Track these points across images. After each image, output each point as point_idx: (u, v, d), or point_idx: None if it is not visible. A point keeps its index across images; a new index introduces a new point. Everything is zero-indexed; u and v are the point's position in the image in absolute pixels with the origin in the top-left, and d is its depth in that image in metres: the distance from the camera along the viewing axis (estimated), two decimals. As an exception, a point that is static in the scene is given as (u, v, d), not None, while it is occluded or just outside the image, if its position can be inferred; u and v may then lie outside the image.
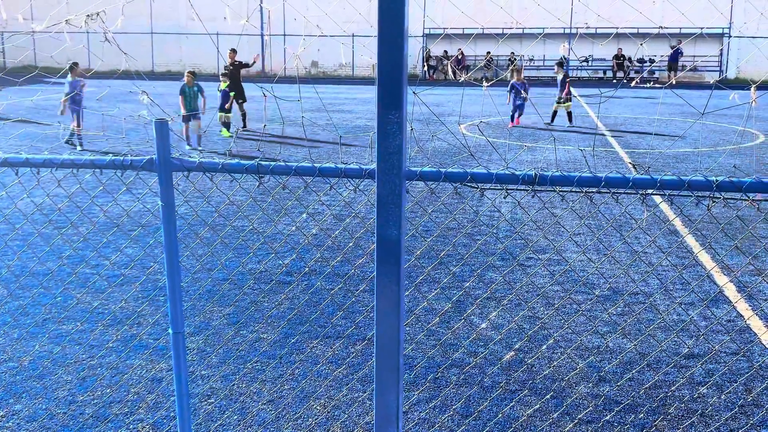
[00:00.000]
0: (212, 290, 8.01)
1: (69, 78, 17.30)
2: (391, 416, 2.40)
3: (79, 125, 17.34)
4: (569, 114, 23.06)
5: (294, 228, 10.48)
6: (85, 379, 6.10)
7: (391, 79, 2.20)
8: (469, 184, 3.57)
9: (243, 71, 21.15)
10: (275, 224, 10.56)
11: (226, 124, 20.53)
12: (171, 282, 3.86)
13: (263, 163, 3.45)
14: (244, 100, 21.00)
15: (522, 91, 21.91)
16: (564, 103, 22.81)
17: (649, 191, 3.69)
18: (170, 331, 3.93)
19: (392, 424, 2.41)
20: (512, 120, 22.71)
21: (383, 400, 2.42)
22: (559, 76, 23.24)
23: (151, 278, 8.23)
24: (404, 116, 2.23)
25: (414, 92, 4.00)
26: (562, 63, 24.13)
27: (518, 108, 22.53)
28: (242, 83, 21.09)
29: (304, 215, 11.13)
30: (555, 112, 23.39)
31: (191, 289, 7.99)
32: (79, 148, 17.21)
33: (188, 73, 17.40)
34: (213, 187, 7.32)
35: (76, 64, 17.59)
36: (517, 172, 3.49)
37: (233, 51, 21.10)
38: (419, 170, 3.44)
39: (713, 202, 3.70)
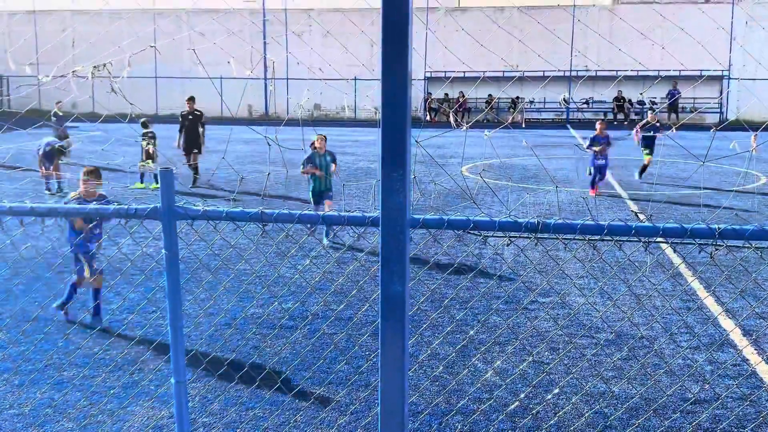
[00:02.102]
0: (214, 335, 7.97)
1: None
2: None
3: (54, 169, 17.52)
4: (645, 167, 19.84)
5: (296, 273, 10.46)
6: (86, 426, 6.05)
7: (395, 139, 2.22)
8: (472, 232, 3.58)
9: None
10: (278, 269, 10.54)
11: (148, 174, 19.19)
12: (174, 330, 3.86)
13: (267, 211, 3.47)
14: (199, 152, 19.25)
15: (605, 147, 17.58)
16: (648, 155, 19.49)
17: (652, 239, 3.71)
18: (173, 380, 3.91)
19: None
20: (593, 186, 17.71)
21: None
22: (653, 122, 19.67)
23: (153, 324, 8.20)
24: (408, 174, 2.26)
25: (417, 140, 4.03)
26: (654, 109, 21.64)
27: (600, 170, 17.57)
28: (200, 134, 19.39)
29: (308, 261, 11.13)
30: (645, 166, 19.80)
31: (193, 335, 7.95)
32: (53, 193, 17.51)
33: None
34: (215, 233, 7.34)
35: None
36: (519, 220, 3.51)
37: (191, 100, 19.69)
38: (422, 218, 3.45)
39: (716, 249, 3.71)
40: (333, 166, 12.86)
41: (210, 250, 11.00)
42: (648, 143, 19.31)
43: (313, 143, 12.91)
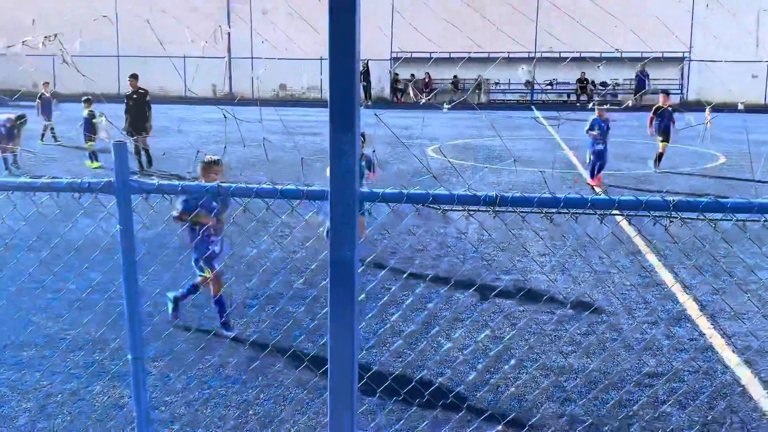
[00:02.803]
0: (177, 315, 7.90)
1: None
2: (345, 438, 2.39)
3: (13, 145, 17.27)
4: (661, 155, 18.43)
5: (256, 251, 10.41)
6: (45, 406, 5.98)
7: (343, 100, 2.20)
8: (431, 206, 3.59)
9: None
10: (237, 247, 10.48)
11: (94, 154, 18.73)
12: (130, 306, 3.81)
13: (223, 184, 3.44)
14: (147, 133, 18.36)
15: (605, 133, 16.29)
16: (664, 142, 18.15)
17: (608, 212, 3.75)
18: (129, 356, 3.88)
19: (347, 449, 2.40)
20: (592, 175, 16.50)
21: (337, 423, 2.40)
22: (665, 106, 18.13)
23: (113, 303, 8.10)
24: (357, 137, 2.24)
25: (377, 115, 4.02)
26: (668, 92, 19.11)
27: (599, 156, 16.22)
28: (147, 115, 18.49)
29: (266, 237, 11.08)
30: (661, 155, 18.41)
31: (153, 313, 7.88)
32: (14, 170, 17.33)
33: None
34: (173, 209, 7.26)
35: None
36: (478, 194, 3.52)
37: (134, 77, 18.74)
38: (381, 191, 3.44)
39: (671, 221, 3.77)
40: (369, 174, 10.42)
41: (167, 226, 10.89)
42: (663, 129, 17.92)
43: None
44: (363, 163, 10.14)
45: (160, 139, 22.12)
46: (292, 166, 18.67)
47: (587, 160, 16.67)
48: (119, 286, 3.86)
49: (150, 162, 18.28)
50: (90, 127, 18.55)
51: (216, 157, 7.71)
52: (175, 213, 7.27)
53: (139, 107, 18.33)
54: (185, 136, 24.85)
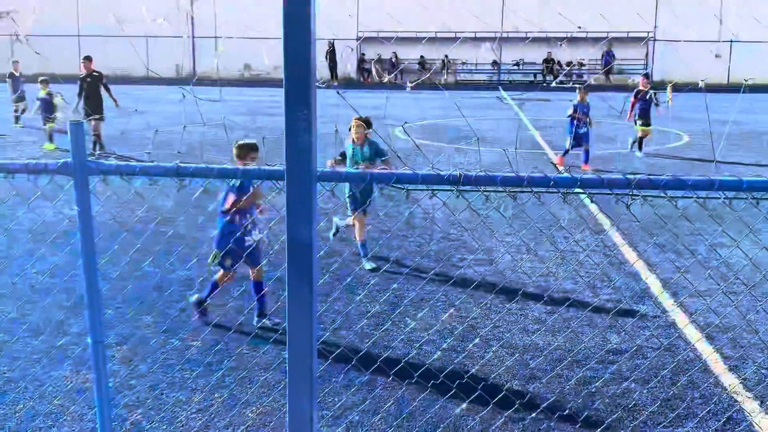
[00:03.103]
0: (139, 298, 7.82)
1: None
2: (304, 421, 2.36)
3: None
4: (641, 140, 18.05)
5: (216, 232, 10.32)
6: (7, 392, 5.88)
7: (298, 74, 2.15)
8: (394, 186, 3.56)
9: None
10: (200, 229, 10.38)
11: (51, 136, 18.41)
12: (89, 289, 3.75)
13: (183, 165, 3.38)
14: (101, 119, 17.75)
15: (587, 116, 15.95)
16: (645, 125, 17.76)
17: (571, 190, 3.76)
18: (89, 340, 3.81)
19: (306, 429, 2.37)
20: (564, 154, 16.39)
21: (296, 405, 2.37)
22: (648, 91, 17.61)
23: (76, 286, 7.98)
24: (313, 113, 2.20)
25: (339, 92, 3.98)
26: (648, 75, 18.64)
27: (583, 139, 15.86)
28: (102, 97, 17.90)
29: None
30: (641, 138, 18.01)
31: (117, 297, 7.79)
32: None
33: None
34: (136, 192, 7.16)
35: None
36: (441, 172, 3.50)
37: (88, 59, 18.10)
38: (344, 172, 3.41)
39: (632, 199, 3.79)
40: (385, 163, 9.22)
41: (128, 208, 10.75)
42: (642, 113, 17.59)
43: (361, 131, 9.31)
44: (368, 151, 9.14)
45: (122, 120, 21.79)
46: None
47: (566, 144, 16.25)
48: (79, 269, 3.79)
49: (102, 147, 17.62)
50: (49, 108, 18.17)
51: (252, 141, 7.28)
52: (227, 206, 6.96)
53: (92, 90, 17.74)
54: (148, 116, 24.50)
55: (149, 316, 7.37)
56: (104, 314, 7.19)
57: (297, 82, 2.16)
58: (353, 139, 9.19)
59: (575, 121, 15.81)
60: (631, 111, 17.81)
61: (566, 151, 16.26)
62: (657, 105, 17.75)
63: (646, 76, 18.12)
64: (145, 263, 7.98)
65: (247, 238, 7.13)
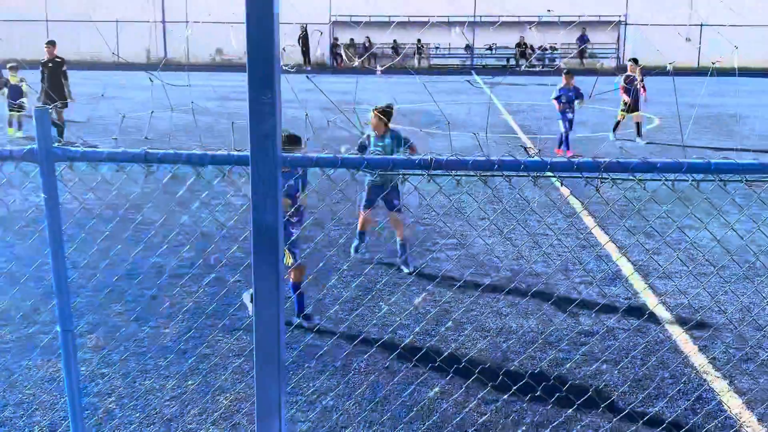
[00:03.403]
0: (110, 286, 7.75)
1: None
2: (272, 407, 2.36)
3: None
4: (639, 125, 17.88)
5: (187, 218, 10.26)
6: (-26, 383, 5.81)
7: (262, 57, 2.13)
8: (366, 170, 3.56)
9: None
10: (170, 216, 10.30)
11: (16, 121, 18.11)
12: (57, 277, 3.70)
13: (151, 151, 3.34)
14: (65, 105, 17.36)
15: (574, 102, 15.79)
16: (632, 111, 17.66)
17: (541, 174, 3.77)
18: (58, 328, 3.77)
19: (274, 415, 2.37)
20: (560, 146, 16.17)
21: (264, 391, 2.37)
22: (635, 74, 17.55)
23: (45, 275, 7.89)
24: (278, 97, 2.18)
25: (308, 76, 3.96)
26: (636, 60, 18.03)
27: (569, 124, 15.86)
28: (64, 84, 17.47)
29: (197, 203, 10.92)
30: (618, 123, 18.12)
31: (88, 286, 7.71)
32: None
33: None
34: (111, 181, 7.07)
35: None
36: (413, 157, 3.50)
37: (51, 44, 17.61)
38: (316, 156, 3.39)
39: (602, 182, 3.82)
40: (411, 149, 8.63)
41: (95, 195, 10.63)
42: (633, 98, 17.39)
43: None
44: (390, 141, 8.49)
45: (89, 106, 21.50)
46: (228, 132, 18.38)
47: (560, 129, 16.03)
48: (47, 257, 3.74)
49: (60, 134, 17.22)
50: (17, 95, 17.88)
51: (294, 134, 6.86)
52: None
53: (54, 76, 17.40)
54: (116, 102, 24.19)
55: (120, 304, 7.31)
56: (74, 302, 7.13)
57: (260, 65, 2.13)
58: (373, 132, 8.49)
59: (563, 106, 15.69)
60: (624, 94, 17.52)
61: (561, 140, 15.91)
62: (644, 91, 17.58)
63: (635, 61, 17.88)
64: (114, 250, 7.90)
65: (294, 231, 6.80)
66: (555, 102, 15.97)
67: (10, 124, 18.14)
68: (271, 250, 2.23)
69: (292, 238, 6.62)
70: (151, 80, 3.61)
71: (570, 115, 15.75)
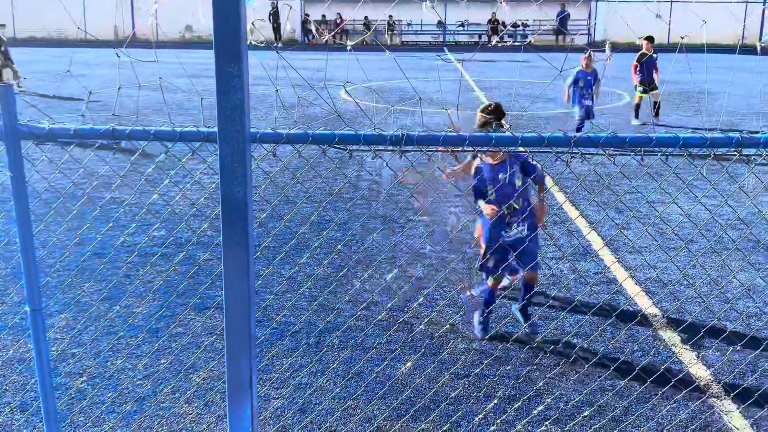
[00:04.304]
0: (81, 265, 7.68)
1: None
2: (243, 384, 2.36)
3: None
4: (657, 105, 16.87)
5: (156, 196, 10.17)
6: (-58, 364, 5.74)
7: (228, 29, 2.10)
8: (336, 146, 3.54)
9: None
10: (140, 194, 10.21)
11: None
12: (25, 256, 3.66)
13: (118, 128, 3.29)
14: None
15: (593, 87, 14.45)
16: (651, 90, 16.68)
17: (512, 149, 3.79)
18: (27, 308, 3.73)
19: (245, 392, 2.37)
20: (578, 131, 14.22)
21: (235, 368, 2.36)
22: (649, 52, 16.55)
23: (13, 255, 7.80)
24: (245, 70, 2.15)
25: (278, 51, 3.92)
26: (652, 38, 16.81)
27: (586, 111, 14.43)
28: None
29: (166, 181, 10.83)
30: (638, 105, 17.08)
31: (59, 265, 7.64)
32: None
33: None
34: (84, 158, 6.98)
35: None
36: (384, 133, 3.49)
37: None
38: (286, 133, 3.37)
39: (572, 157, 3.84)
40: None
41: (62, 174, 10.51)
42: (649, 77, 16.55)
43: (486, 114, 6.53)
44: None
45: (54, 84, 21.16)
46: (199, 110, 18.20)
47: (576, 117, 14.89)
48: (14, 236, 3.69)
49: None
50: None
51: (492, 103, 6.46)
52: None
53: None
54: (84, 80, 23.81)
55: (90, 283, 7.25)
56: (43, 282, 7.05)
57: (227, 37, 2.10)
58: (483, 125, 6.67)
59: (581, 91, 14.30)
60: (635, 75, 16.69)
61: (578, 127, 14.53)
62: (656, 71, 16.59)
63: (650, 39, 16.70)
64: (83, 229, 7.82)
65: (504, 232, 6.16)
66: (567, 90, 14.57)
67: None
68: (240, 225, 2.22)
69: (525, 235, 6.07)
70: (118, 56, 3.56)
71: (588, 102, 14.33)
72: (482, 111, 6.56)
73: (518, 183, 5.99)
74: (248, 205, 2.20)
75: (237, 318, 2.30)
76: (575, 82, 14.37)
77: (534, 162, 6.03)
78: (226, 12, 2.08)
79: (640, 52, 16.66)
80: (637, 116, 16.89)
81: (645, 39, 16.64)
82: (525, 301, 6.30)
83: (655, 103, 16.68)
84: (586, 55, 14.38)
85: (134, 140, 3.36)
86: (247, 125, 2.20)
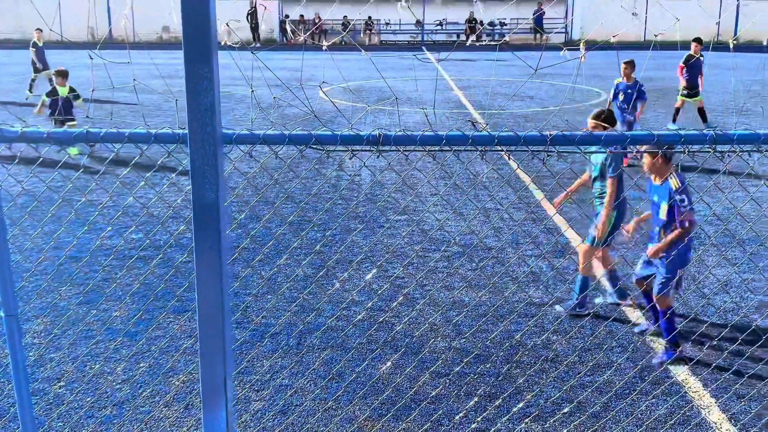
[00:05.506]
0: (60, 269, 7.61)
1: None
2: (218, 387, 2.34)
3: None
4: (702, 111, 15.73)
5: (132, 199, 10.10)
6: None
7: (198, 29, 2.08)
8: (314, 147, 3.53)
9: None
10: (119, 197, 10.13)
11: None
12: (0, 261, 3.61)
13: (93, 130, 3.26)
14: None
15: (635, 102, 12.39)
16: (695, 96, 15.55)
17: (489, 148, 3.80)
18: (2, 314, 3.69)
19: (220, 395, 2.36)
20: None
21: (209, 371, 2.35)
22: (697, 55, 15.48)
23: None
24: (215, 71, 2.14)
25: (253, 52, 3.90)
26: (700, 40, 15.70)
27: (629, 127, 12.27)
28: None
29: (142, 183, 10.76)
30: (678, 109, 15.85)
31: (36, 270, 7.56)
32: None
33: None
34: (53, 162, 6.92)
35: None
36: (361, 133, 3.49)
37: None
38: (262, 133, 3.36)
39: (548, 155, 3.86)
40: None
41: (36, 177, 10.41)
42: (694, 81, 15.45)
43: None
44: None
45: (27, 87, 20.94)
46: (180, 111, 18.07)
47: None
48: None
49: None
50: None
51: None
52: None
53: None
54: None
55: (67, 288, 7.19)
56: (19, 287, 6.98)
57: (196, 38, 2.08)
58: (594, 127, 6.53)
59: (622, 105, 12.51)
60: (681, 76, 15.57)
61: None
62: (701, 75, 15.54)
63: (699, 41, 15.51)
64: (59, 232, 7.75)
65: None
66: (608, 104, 12.73)
67: None
68: (212, 228, 2.20)
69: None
70: (91, 58, 3.52)
71: (629, 117, 12.37)
72: (594, 117, 6.50)
73: (661, 215, 5.93)
74: (220, 208, 2.19)
75: (210, 321, 2.29)
76: (615, 95, 12.69)
77: (685, 204, 5.84)
78: (196, 13, 2.06)
79: (686, 54, 15.60)
80: (674, 120, 15.83)
81: (694, 41, 15.58)
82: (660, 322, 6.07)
83: (700, 109, 15.67)
84: (627, 63, 12.53)
85: (108, 143, 3.33)
86: (219, 127, 2.19)
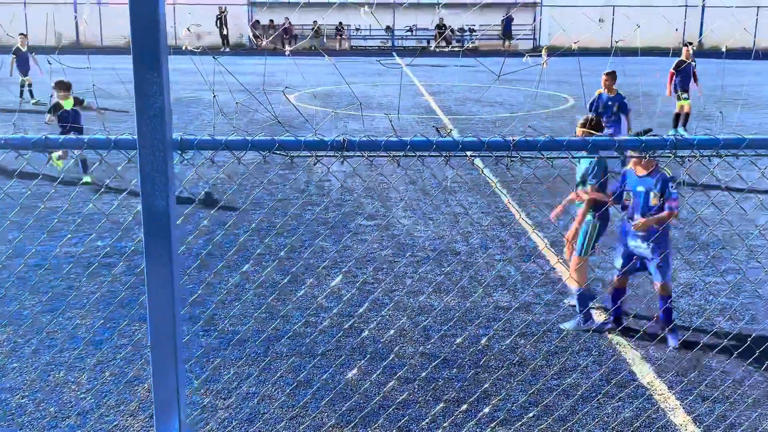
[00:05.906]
0: (25, 277, 7.49)
1: None
2: (170, 398, 2.31)
3: None
4: (687, 115, 15.91)
5: (92, 206, 9.99)
6: None
7: (147, 34, 2.06)
8: (277, 152, 3.51)
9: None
10: (82, 203, 10.01)
11: None
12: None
13: (51, 137, 3.22)
14: None
15: (619, 115, 11.71)
16: (685, 99, 15.65)
17: (453, 153, 3.81)
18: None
19: (173, 407, 2.33)
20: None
21: (161, 381, 2.32)
22: (690, 62, 15.65)
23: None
24: (165, 76, 2.12)
25: (214, 57, 3.88)
26: (691, 44, 15.89)
27: None
28: None
29: (102, 190, 10.64)
30: (678, 115, 15.88)
31: (1, 277, 7.44)
32: None
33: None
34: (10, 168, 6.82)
35: None
36: (325, 139, 3.48)
37: None
38: (224, 139, 3.34)
39: (512, 160, 3.89)
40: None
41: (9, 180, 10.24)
42: (686, 86, 15.58)
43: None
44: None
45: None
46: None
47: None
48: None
49: None
50: None
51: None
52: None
53: None
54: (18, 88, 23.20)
55: (30, 296, 7.07)
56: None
57: (145, 44, 2.06)
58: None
59: (604, 117, 11.52)
60: (670, 84, 15.76)
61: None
62: (695, 79, 15.74)
63: (689, 45, 15.76)
64: (19, 239, 7.63)
65: (631, 241, 6.38)
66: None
67: None
68: (162, 236, 2.18)
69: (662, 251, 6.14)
70: (50, 63, 3.47)
71: (610, 131, 11.36)
72: (582, 126, 6.67)
73: (653, 202, 6.17)
74: (170, 216, 2.16)
75: (161, 330, 2.26)
76: (594, 107, 11.80)
77: (676, 192, 6.17)
78: (144, 16, 2.04)
79: (678, 59, 15.61)
80: (675, 126, 15.80)
81: (685, 45, 15.68)
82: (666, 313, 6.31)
83: (687, 114, 15.79)
84: (608, 73, 11.78)
85: (68, 148, 3.29)
86: (169, 133, 2.17)
